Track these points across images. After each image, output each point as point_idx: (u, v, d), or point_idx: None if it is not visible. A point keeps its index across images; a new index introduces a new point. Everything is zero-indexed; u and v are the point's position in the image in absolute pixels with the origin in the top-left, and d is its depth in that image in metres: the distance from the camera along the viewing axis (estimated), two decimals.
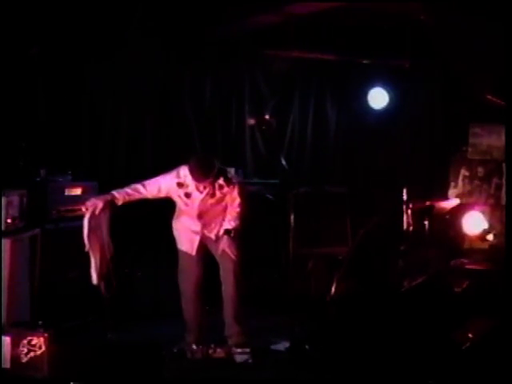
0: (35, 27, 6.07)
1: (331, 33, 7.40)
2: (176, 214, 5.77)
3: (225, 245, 5.61)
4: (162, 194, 5.59)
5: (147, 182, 5.57)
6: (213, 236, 5.68)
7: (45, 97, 6.47)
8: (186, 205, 5.59)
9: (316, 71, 8.14)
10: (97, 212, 5.38)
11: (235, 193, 5.62)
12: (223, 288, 5.69)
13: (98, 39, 6.53)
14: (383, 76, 7.93)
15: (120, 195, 5.50)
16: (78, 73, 6.66)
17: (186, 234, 5.72)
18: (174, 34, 7.01)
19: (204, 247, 5.73)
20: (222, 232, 5.63)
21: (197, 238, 5.68)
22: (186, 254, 5.71)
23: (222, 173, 5.57)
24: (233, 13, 6.57)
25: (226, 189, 5.58)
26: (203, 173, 5.41)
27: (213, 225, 5.69)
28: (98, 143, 6.91)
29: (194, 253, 5.67)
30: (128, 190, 5.54)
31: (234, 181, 5.65)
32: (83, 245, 5.97)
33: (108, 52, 6.71)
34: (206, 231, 5.68)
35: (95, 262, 5.37)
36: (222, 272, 5.70)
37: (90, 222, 5.36)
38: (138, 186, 5.55)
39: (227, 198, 5.61)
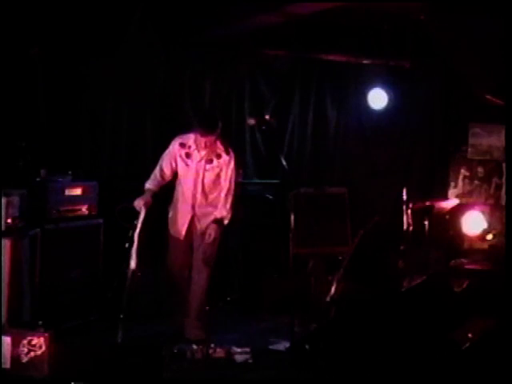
0: (35, 27, 6.08)
1: (331, 33, 7.40)
2: (174, 197, 5.97)
3: (209, 234, 5.78)
4: (173, 163, 5.84)
5: (161, 158, 5.88)
6: (202, 225, 5.81)
7: (45, 97, 6.46)
8: (187, 165, 5.81)
9: (316, 71, 8.14)
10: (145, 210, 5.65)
11: (230, 169, 5.85)
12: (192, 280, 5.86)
13: (97, 39, 6.53)
14: (383, 76, 7.92)
15: (154, 186, 5.83)
16: (78, 73, 6.66)
17: (179, 217, 5.88)
18: (174, 34, 7.00)
19: (190, 238, 5.86)
20: (209, 223, 5.81)
21: (187, 220, 5.83)
22: (173, 238, 5.89)
23: (221, 139, 5.88)
24: (233, 13, 6.56)
25: (222, 159, 5.83)
26: (210, 125, 5.75)
27: (203, 209, 5.84)
28: (98, 143, 6.91)
29: (182, 236, 5.83)
30: (153, 176, 5.84)
31: (231, 151, 5.90)
32: (83, 245, 6.02)
33: (108, 52, 6.70)
34: (197, 212, 5.82)
35: (136, 249, 5.51)
36: (194, 261, 5.86)
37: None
38: (157, 167, 5.86)
39: (222, 176, 5.82)
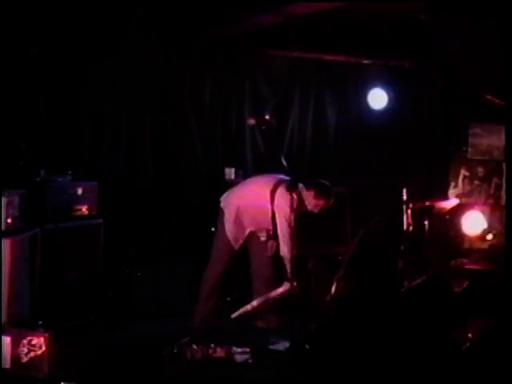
0: (35, 27, 6.07)
1: (331, 33, 7.40)
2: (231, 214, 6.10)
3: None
4: None
5: (283, 223, 5.88)
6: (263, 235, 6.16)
7: (45, 97, 6.46)
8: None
9: (316, 71, 8.14)
10: None
11: None
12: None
13: (97, 39, 6.53)
14: (383, 76, 7.92)
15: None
16: (78, 73, 6.66)
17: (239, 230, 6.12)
18: (174, 33, 7.00)
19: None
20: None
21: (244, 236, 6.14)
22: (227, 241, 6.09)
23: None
24: (233, 13, 6.56)
25: None
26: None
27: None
28: (98, 143, 6.91)
29: (237, 246, 6.13)
30: (289, 241, 5.81)
31: None
32: (83, 245, 6.02)
33: (108, 52, 6.71)
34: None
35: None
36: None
37: None
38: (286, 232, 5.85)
39: None
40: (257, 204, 6.04)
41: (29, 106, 6.31)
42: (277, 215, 5.90)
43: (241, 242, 6.16)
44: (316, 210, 6.10)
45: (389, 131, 8.18)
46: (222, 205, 6.19)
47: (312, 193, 6.04)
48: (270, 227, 6.01)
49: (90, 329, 5.98)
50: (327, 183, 6.18)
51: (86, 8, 6.23)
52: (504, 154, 6.96)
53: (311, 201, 6.05)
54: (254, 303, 5.94)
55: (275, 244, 6.07)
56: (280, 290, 5.55)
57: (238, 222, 6.11)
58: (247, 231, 6.16)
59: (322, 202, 6.06)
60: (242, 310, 5.98)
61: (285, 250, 5.83)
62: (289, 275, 5.73)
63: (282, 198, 5.85)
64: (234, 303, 6.81)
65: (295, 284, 5.68)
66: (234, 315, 6.07)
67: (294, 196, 5.75)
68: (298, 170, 7.90)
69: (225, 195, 6.26)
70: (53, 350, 4.70)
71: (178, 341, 5.48)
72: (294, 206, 5.68)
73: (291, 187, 5.72)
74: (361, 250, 6.32)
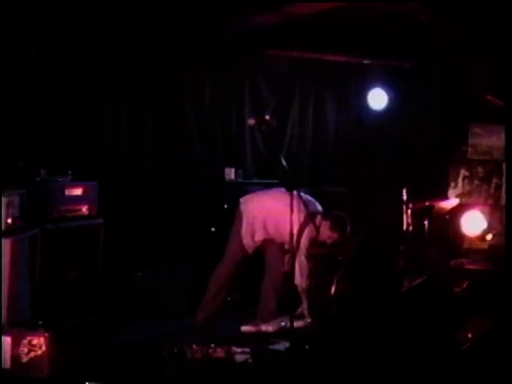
0: (35, 27, 6.08)
1: (331, 33, 7.40)
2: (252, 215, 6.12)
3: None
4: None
5: (301, 256, 6.02)
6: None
7: (45, 97, 6.47)
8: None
9: (316, 71, 8.14)
10: None
11: None
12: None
13: (98, 39, 6.53)
14: (383, 76, 7.93)
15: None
16: (79, 73, 6.66)
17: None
18: (174, 34, 7.00)
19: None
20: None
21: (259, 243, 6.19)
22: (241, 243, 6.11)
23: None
24: (233, 13, 6.56)
25: None
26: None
27: None
28: (98, 143, 6.91)
29: (250, 251, 6.16)
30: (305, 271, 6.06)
31: None
32: (83, 245, 6.01)
33: (108, 52, 6.71)
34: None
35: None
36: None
37: None
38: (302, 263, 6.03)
39: None
40: (279, 221, 5.97)
41: (29, 105, 6.32)
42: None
43: (256, 246, 6.19)
44: (329, 242, 6.14)
45: (389, 131, 8.19)
46: (241, 207, 6.20)
47: (328, 223, 6.09)
48: (287, 243, 6.04)
49: (89, 329, 5.99)
50: (344, 215, 6.20)
51: (86, 8, 6.23)
52: (504, 153, 6.97)
53: (325, 231, 6.09)
54: (270, 328, 6.03)
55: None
56: (296, 323, 5.54)
57: (255, 231, 6.14)
58: (262, 239, 6.19)
59: (335, 235, 6.11)
60: (254, 328, 6.06)
61: (299, 279, 5.95)
62: (305, 311, 5.98)
63: (310, 233, 6.00)
64: (234, 303, 6.82)
65: (311, 320, 5.90)
66: (244, 328, 6.08)
67: (313, 228, 5.92)
68: (298, 170, 7.92)
69: (246, 198, 6.28)
70: (53, 350, 4.70)
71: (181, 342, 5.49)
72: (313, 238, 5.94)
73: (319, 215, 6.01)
74: (361, 250, 6.32)
